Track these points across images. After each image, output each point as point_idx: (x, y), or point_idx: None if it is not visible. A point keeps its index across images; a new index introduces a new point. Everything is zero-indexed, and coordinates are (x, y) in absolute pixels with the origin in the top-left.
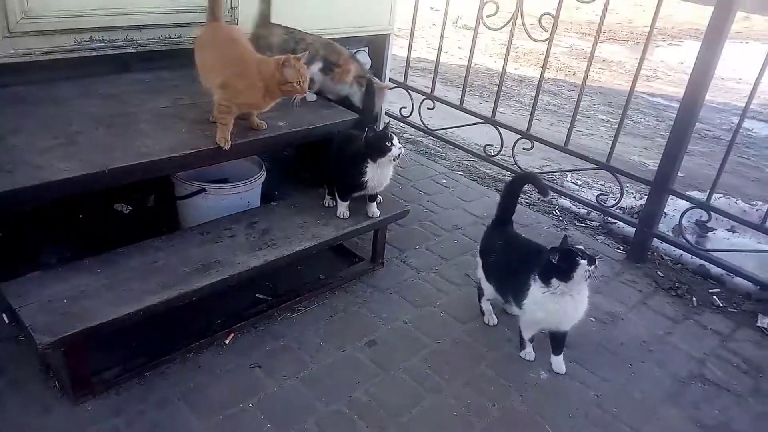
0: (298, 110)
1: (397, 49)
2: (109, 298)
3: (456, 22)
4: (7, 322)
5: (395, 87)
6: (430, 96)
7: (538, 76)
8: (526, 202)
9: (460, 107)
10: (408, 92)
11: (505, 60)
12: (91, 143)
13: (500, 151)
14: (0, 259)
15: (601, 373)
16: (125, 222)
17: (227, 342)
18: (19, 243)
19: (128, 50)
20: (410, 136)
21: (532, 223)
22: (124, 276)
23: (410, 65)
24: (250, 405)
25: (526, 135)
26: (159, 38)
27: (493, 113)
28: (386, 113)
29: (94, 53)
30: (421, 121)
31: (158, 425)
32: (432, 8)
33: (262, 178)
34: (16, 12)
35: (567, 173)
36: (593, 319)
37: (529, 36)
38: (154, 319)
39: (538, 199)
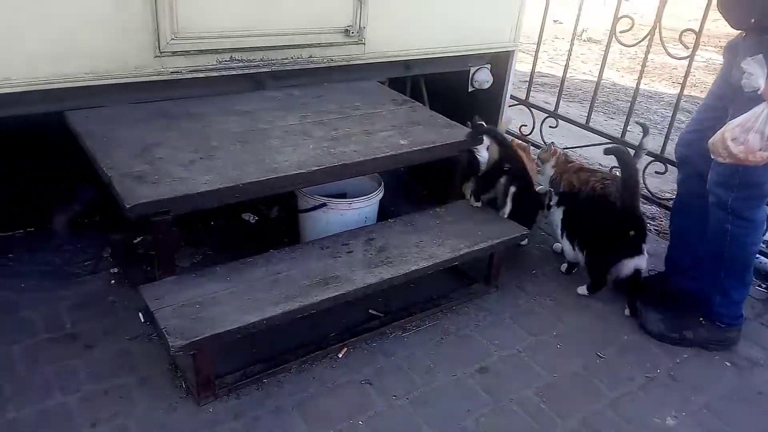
0: (419, 129)
1: (517, 64)
2: (236, 306)
3: (581, 35)
4: (142, 321)
5: (516, 104)
6: (553, 114)
7: (670, 92)
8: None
9: (586, 126)
10: (529, 109)
11: (640, 77)
12: (228, 158)
13: None
14: (144, 263)
15: (734, 424)
16: (252, 231)
17: (340, 356)
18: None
19: (263, 69)
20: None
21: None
22: (250, 285)
23: (526, 80)
24: (360, 422)
25: (659, 158)
26: (292, 58)
27: (623, 133)
28: (507, 131)
29: (233, 72)
30: (542, 140)
31: None
32: (555, 21)
33: (381, 195)
34: (167, 33)
35: None
36: (728, 364)
37: (668, 52)
38: (273, 327)
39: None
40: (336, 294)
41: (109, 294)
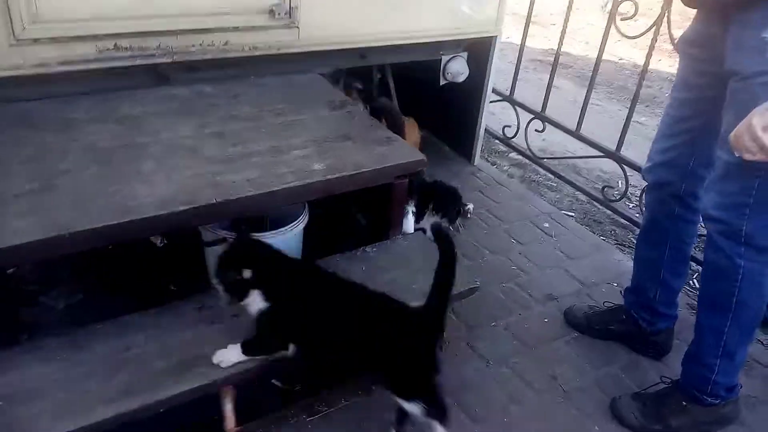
0: (347, 146)
1: (528, 39)
2: (57, 403)
3: (605, 6)
4: None
5: (499, 100)
6: (539, 116)
7: None
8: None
9: (576, 134)
10: (514, 108)
11: (642, 74)
12: (71, 190)
13: (625, 193)
14: None
15: None
16: (156, 258)
17: None
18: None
19: (163, 59)
20: (516, 159)
21: None
22: (87, 368)
23: (537, 57)
24: None
25: None
26: (201, 45)
27: (619, 146)
28: (486, 130)
29: (120, 63)
30: (527, 146)
31: None
32: None
33: (302, 224)
34: (22, 16)
35: None
36: None
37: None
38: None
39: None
40: (194, 386)
41: None
